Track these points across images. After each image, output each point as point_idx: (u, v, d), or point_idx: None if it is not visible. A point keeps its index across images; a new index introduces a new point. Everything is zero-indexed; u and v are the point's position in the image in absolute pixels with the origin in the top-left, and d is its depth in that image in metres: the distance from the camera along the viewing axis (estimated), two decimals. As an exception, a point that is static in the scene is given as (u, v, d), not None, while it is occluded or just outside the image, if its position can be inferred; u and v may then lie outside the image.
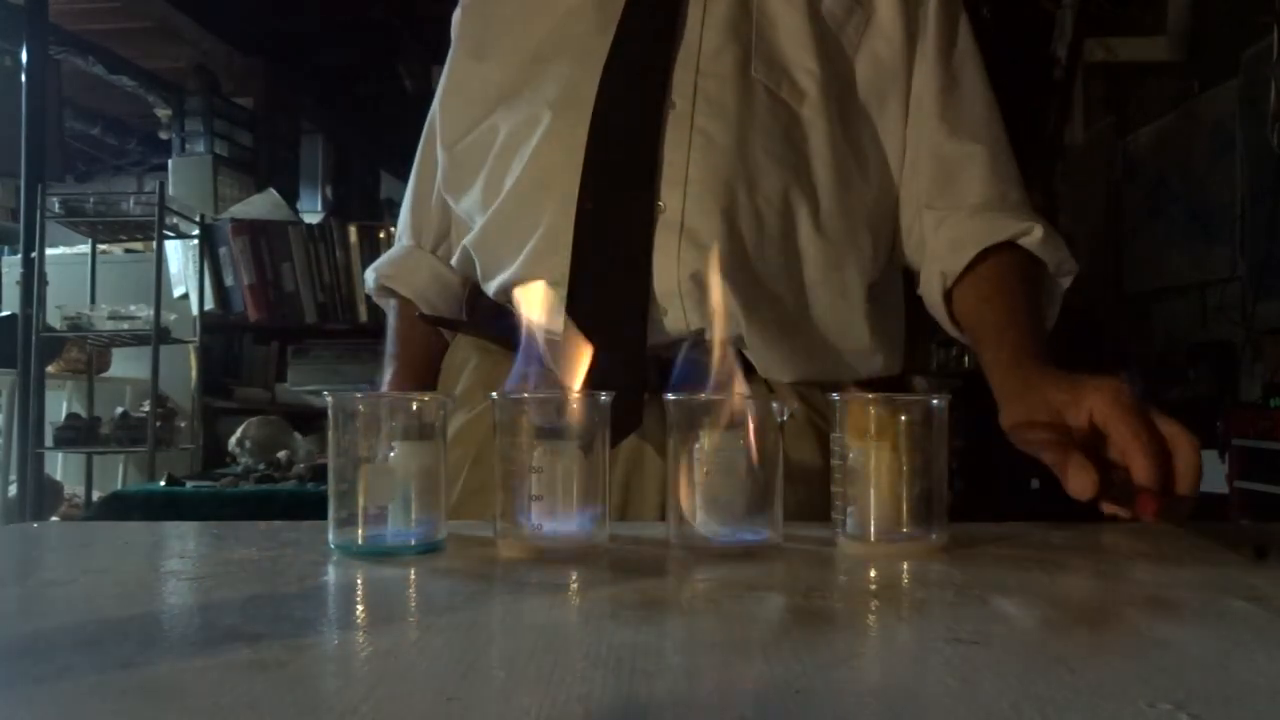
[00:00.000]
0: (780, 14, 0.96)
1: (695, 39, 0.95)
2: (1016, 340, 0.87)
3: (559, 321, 0.92)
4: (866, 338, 0.96)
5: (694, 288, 0.90)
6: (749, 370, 0.95)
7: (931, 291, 0.97)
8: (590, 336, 0.77)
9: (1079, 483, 0.70)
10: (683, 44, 0.95)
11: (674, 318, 0.91)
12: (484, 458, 0.94)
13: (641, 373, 0.91)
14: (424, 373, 1.07)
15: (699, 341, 0.88)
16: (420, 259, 1.11)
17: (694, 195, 0.91)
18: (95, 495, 3.55)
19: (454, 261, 1.07)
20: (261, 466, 2.89)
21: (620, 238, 0.91)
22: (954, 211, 0.97)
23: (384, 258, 1.14)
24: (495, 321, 1.01)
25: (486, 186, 1.00)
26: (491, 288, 1.00)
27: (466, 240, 1.02)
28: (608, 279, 0.92)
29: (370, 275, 1.13)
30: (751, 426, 0.67)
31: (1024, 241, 0.94)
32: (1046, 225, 0.95)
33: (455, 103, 1.07)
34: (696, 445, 0.67)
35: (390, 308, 1.13)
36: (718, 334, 0.74)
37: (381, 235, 3.55)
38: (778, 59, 0.95)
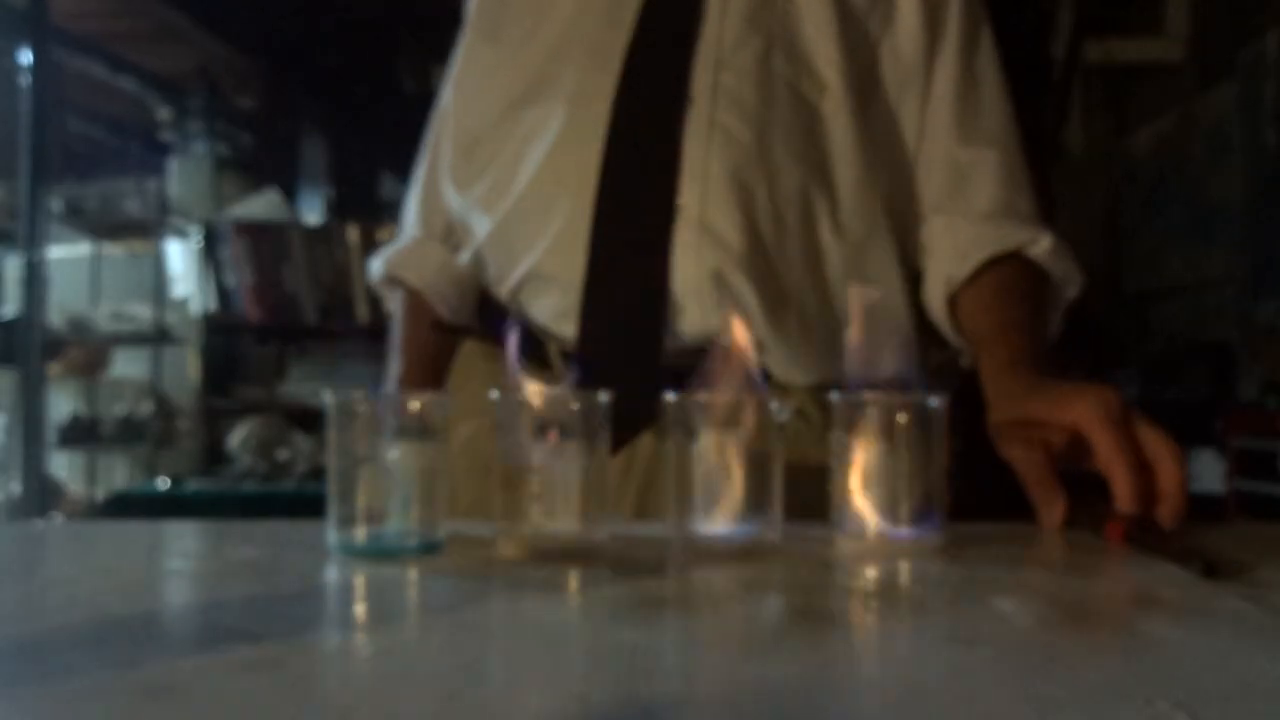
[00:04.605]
0: (805, 1, 0.94)
1: (715, 31, 0.93)
2: (1013, 346, 0.86)
3: (571, 323, 0.91)
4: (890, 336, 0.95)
5: (715, 287, 0.88)
6: (765, 378, 0.94)
7: (934, 296, 0.96)
8: (606, 334, 0.76)
9: (1046, 517, 0.74)
10: (702, 37, 0.92)
11: (692, 318, 0.89)
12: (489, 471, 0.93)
13: (657, 369, 0.89)
14: (430, 369, 1.04)
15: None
16: (431, 249, 1.08)
17: (714, 192, 0.89)
18: (96, 495, 3.55)
19: (463, 260, 1.05)
20: (262, 467, 2.89)
21: (639, 235, 0.90)
22: (962, 217, 0.96)
23: (392, 247, 1.10)
24: (504, 327, 0.99)
25: (499, 182, 0.98)
26: (504, 290, 0.99)
27: (479, 240, 1.01)
28: (625, 276, 0.90)
29: (377, 264, 1.09)
30: (751, 426, 0.67)
31: (1031, 252, 0.93)
32: (1055, 236, 0.93)
33: (468, 92, 1.05)
34: (695, 445, 0.67)
35: (396, 299, 1.09)
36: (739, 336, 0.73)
37: (381, 236, 3.56)
38: (800, 50, 0.93)
